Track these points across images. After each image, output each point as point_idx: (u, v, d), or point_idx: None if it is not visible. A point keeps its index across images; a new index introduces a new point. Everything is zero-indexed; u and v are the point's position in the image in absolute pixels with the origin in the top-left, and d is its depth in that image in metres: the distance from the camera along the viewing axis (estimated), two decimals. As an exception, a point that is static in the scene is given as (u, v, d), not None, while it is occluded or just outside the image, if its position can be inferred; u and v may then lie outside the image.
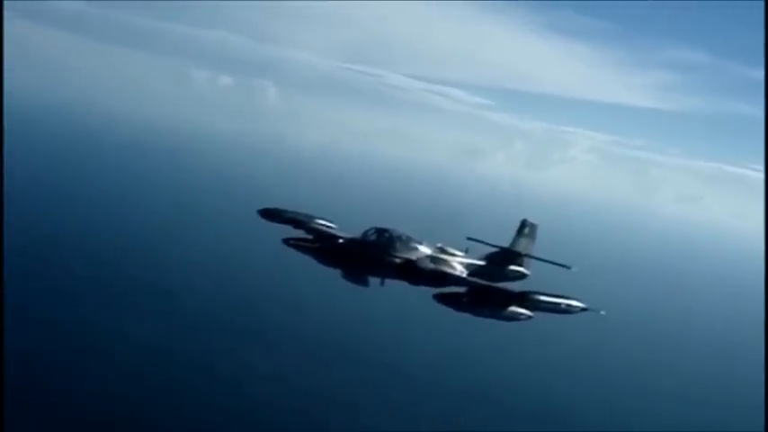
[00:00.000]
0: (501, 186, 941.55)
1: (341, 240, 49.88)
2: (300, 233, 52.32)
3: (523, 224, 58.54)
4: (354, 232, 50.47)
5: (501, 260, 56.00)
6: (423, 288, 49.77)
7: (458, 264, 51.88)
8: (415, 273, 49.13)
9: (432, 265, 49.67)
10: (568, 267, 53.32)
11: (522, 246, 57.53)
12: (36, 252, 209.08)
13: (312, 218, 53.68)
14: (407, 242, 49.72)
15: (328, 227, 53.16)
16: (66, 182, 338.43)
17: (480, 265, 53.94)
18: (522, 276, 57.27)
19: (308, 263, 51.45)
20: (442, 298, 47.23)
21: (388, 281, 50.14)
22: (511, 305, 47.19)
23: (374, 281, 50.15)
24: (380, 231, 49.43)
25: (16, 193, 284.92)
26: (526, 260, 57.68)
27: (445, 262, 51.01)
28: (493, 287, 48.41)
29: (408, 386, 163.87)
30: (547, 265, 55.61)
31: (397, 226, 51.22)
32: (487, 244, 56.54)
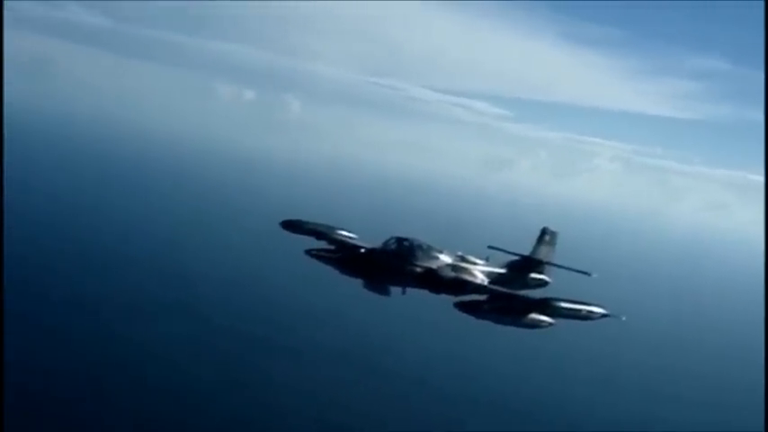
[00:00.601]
0: (522, 196, 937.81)
1: (362, 250, 50.25)
2: (322, 244, 52.77)
3: (544, 232, 58.69)
4: (376, 243, 50.82)
5: (522, 268, 56.13)
6: (443, 296, 50.07)
7: (478, 272, 52.07)
8: (436, 281, 49.34)
9: (452, 274, 49.86)
10: (588, 274, 53.29)
11: (543, 253, 57.61)
12: (65, 265, 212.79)
13: (333, 229, 54.05)
14: (428, 251, 49.97)
15: (349, 237, 53.49)
16: (90, 196, 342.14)
17: (501, 273, 54.09)
18: (543, 284, 57.27)
19: (329, 275, 52.09)
20: (462, 306, 47.22)
21: (409, 289, 50.56)
22: (532, 312, 47.21)
23: (396, 290, 50.47)
24: (401, 240, 49.73)
25: (45, 206, 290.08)
26: (547, 268, 57.70)
27: (466, 270, 51.17)
28: (513, 294, 48.59)
29: (433, 397, 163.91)
30: (569, 273, 55.52)
31: (419, 236, 51.50)
32: (508, 252, 56.72)
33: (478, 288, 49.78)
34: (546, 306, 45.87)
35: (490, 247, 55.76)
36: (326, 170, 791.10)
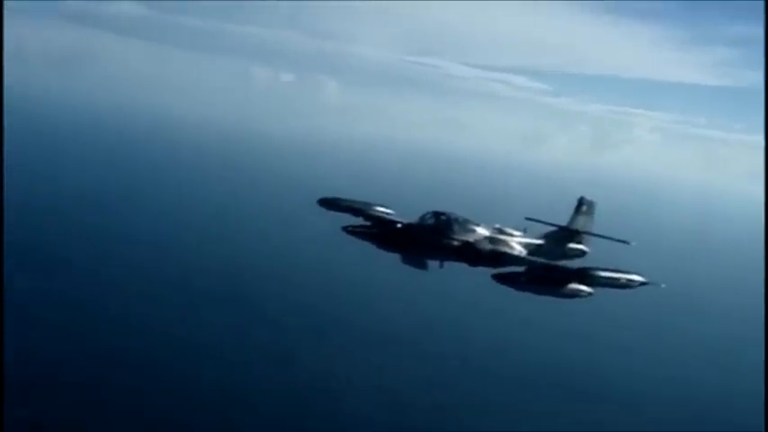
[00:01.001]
0: (562, 170, 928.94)
1: (399, 225, 50.22)
2: (359, 221, 52.77)
3: (581, 202, 58.12)
4: (413, 218, 50.75)
5: (559, 238, 55.79)
6: (482, 269, 50.00)
7: (516, 244, 51.89)
8: (474, 254, 49.26)
9: (490, 246, 49.73)
10: (627, 242, 52.94)
11: (581, 223, 57.13)
12: (108, 249, 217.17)
13: (370, 205, 54.01)
14: (465, 224, 49.90)
15: (386, 213, 53.47)
16: (134, 183, 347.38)
17: (539, 245, 53.80)
18: (581, 254, 56.84)
19: (367, 256, 52.00)
20: (500, 278, 47.17)
21: (447, 263, 50.62)
22: (570, 282, 47.06)
23: (433, 264, 50.50)
24: (438, 214, 49.68)
25: (91, 194, 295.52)
26: (585, 237, 57.32)
27: (503, 242, 51.02)
28: (551, 265, 48.42)
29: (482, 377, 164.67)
30: (610, 243, 54.98)
31: (456, 211, 51.35)
32: (545, 223, 56.39)
33: (516, 260, 49.67)
34: (584, 275, 45.63)
35: (527, 219, 55.47)
36: (366, 151, 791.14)
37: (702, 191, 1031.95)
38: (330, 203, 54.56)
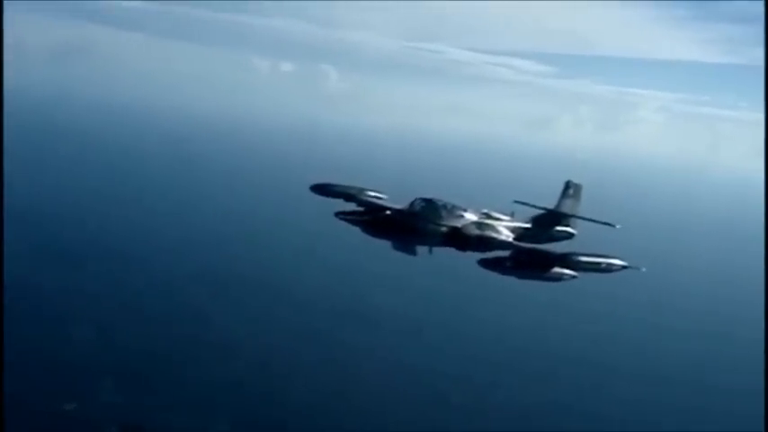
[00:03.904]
0: (567, 152, 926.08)
1: (388, 212, 50.82)
2: (352, 206, 53.11)
3: (568, 185, 58.80)
4: (404, 203, 51.36)
5: (546, 222, 56.54)
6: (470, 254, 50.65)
7: (503, 228, 52.52)
8: (461, 239, 49.86)
9: (477, 231, 50.22)
10: (613, 225, 53.45)
11: (567, 206, 57.87)
12: (117, 245, 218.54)
13: (362, 190, 54.22)
14: (452, 210, 50.50)
15: (378, 198, 53.83)
16: (139, 176, 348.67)
17: (526, 228, 54.56)
18: (569, 236, 57.81)
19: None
20: (486, 263, 47.97)
21: (436, 249, 51.35)
22: (554, 266, 47.96)
23: (422, 249, 51.09)
24: (425, 201, 50.30)
25: (100, 189, 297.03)
26: (573, 220, 58.14)
27: (491, 227, 51.51)
28: (535, 249, 49.04)
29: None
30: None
31: (460, 196, 52.12)
32: (532, 206, 57.02)
33: (503, 244, 50.14)
34: (566, 260, 46.63)
35: (516, 202, 56.11)
36: (369, 138, 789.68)
37: (708, 168, 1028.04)
38: (322, 189, 54.79)
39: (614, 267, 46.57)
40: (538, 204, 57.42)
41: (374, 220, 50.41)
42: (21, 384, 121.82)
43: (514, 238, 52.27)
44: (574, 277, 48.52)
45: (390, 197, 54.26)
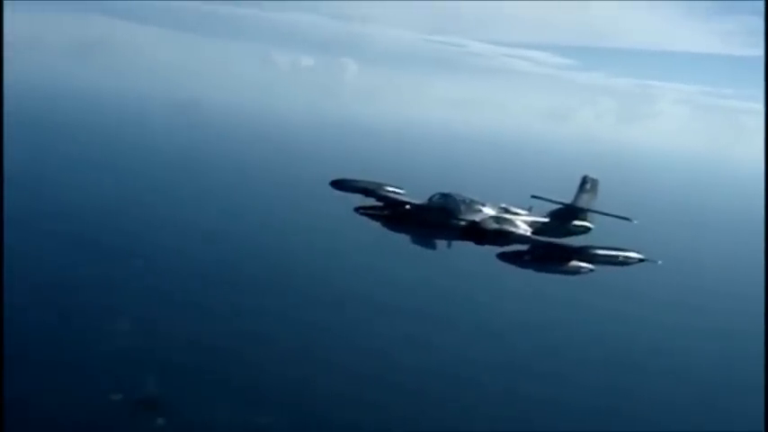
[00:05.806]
0: (588, 145, 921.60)
1: (407, 207, 51.53)
2: (371, 201, 53.76)
3: (584, 180, 59.43)
4: (423, 198, 52.09)
5: (564, 216, 57.23)
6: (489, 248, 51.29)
7: (521, 222, 53.21)
8: (480, 233, 50.46)
9: (495, 225, 50.93)
10: (629, 219, 54.10)
11: (584, 201, 58.50)
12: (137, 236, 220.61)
13: (381, 185, 55.04)
14: (471, 204, 51.14)
15: (397, 193, 54.62)
16: (160, 169, 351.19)
17: (544, 222, 55.28)
18: (586, 230, 58.50)
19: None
20: (504, 256, 48.45)
21: (455, 243, 52.08)
22: (571, 260, 48.45)
23: (442, 244, 51.94)
24: (444, 196, 50.97)
25: (128, 183, 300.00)
26: (590, 214, 58.75)
27: (509, 221, 52.22)
28: (553, 243, 49.63)
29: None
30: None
31: (479, 190, 52.56)
32: (550, 201, 57.61)
33: (520, 238, 50.75)
34: (583, 253, 47.05)
35: (533, 197, 56.71)
36: (389, 131, 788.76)
37: (729, 163, 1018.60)
38: (341, 185, 55.69)
39: (631, 260, 46.97)
40: (555, 199, 58.12)
41: (393, 214, 51.07)
42: (71, 377, 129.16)
43: (532, 233, 53.00)
44: (591, 270, 49.15)
45: (408, 192, 55.07)
